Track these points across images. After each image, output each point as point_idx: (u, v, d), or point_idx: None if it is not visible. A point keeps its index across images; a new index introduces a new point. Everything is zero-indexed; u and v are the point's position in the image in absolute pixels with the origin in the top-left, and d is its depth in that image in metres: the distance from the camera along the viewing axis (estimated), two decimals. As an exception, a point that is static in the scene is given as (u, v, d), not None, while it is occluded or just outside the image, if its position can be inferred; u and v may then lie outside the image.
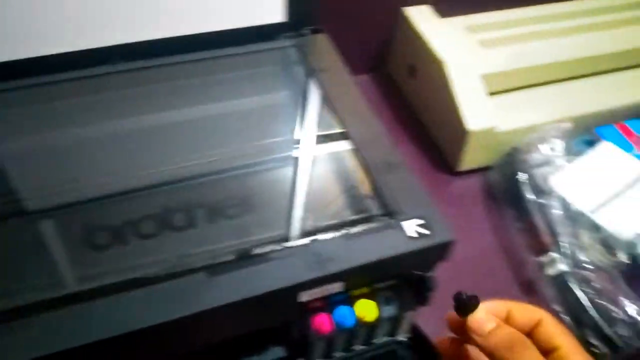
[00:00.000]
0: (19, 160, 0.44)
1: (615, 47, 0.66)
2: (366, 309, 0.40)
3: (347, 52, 0.56)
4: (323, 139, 0.47)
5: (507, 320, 0.35)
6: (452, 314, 0.35)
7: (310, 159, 0.45)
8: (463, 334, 0.35)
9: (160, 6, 0.49)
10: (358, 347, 0.44)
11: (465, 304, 0.34)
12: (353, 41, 0.69)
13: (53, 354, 0.31)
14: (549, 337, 0.34)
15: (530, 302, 0.51)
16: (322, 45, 0.54)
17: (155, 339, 0.34)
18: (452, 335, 0.37)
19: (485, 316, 0.34)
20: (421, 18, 0.65)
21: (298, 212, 0.41)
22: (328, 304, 0.40)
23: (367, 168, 0.43)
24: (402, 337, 0.46)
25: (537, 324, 0.34)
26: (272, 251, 0.37)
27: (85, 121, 0.48)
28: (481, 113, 0.58)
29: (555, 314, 0.51)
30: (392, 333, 0.45)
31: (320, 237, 0.39)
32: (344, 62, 0.53)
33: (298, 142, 0.46)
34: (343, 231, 0.39)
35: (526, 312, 0.35)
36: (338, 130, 0.46)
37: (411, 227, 0.39)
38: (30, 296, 0.34)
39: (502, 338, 0.33)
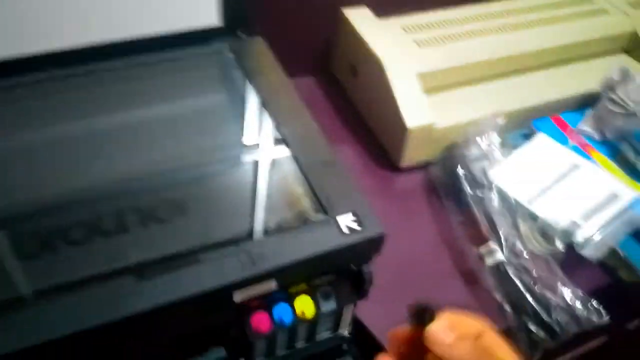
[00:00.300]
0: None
1: (548, 43, 0.69)
2: (304, 306, 0.41)
3: (291, 54, 0.57)
4: (258, 140, 0.47)
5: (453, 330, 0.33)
6: (398, 330, 0.34)
7: (244, 161, 0.46)
8: (417, 348, 0.33)
9: (93, 10, 0.48)
10: (301, 344, 0.44)
11: (423, 313, 0.33)
12: (296, 43, 0.69)
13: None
14: (490, 349, 0.32)
15: (473, 292, 0.53)
16: (258, 48, 0.54)
17: (87, 345, 0.34)
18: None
19: (446, 325, 0.32)
20: (359, 19, 0.66)
21: (231, 214, 0.41)
22: (266, 302, 0.40)
23: (301, 167, 0.44)
24: (344, 332, 0.46)
25: (480, 336, 0.33)
26: (204, 252, 0.37)
27: (21, 127, 0.47)
28: (419, 110, 0.59)
29: (496, 302, 0.52)
30: (334, 328, 0.45)
31: (253, 236, 0.39)
32: (282, 64, 0.53)
33: (232, 145, 0.47)
34: (276, 230, 0.39)
35: (470, 324, 0.33)
36: (273, 131, 0.47)
37: (343, 222, 0.39)
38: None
39: (468, 351, 0.32)
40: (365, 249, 0.40)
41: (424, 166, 0.63)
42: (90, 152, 0.45)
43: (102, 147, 0.45)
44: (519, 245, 0.54)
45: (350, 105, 0.70)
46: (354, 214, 0.40)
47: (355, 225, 0.39)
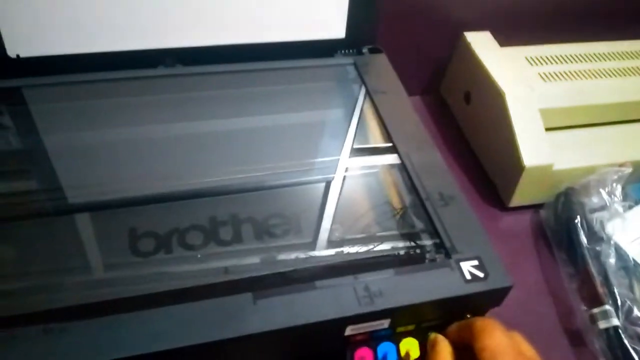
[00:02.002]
0: (72, 158, 0.44)
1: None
2: (410, 348, 0.38)
3: (403, 72, 0.55)
4: (376, 163, 0.45)
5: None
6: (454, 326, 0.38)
7: (362, 183, 0.44)
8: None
9: (225, 13, 0.48)
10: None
11: None
12: (410, 62, 0.67)
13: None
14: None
15: (578, 353, 0.49)
16: (381, 65, 0.53)
17: (194, 357, 0.33)
18: None
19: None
20: (482, 45, 0.63)
21: (350, 241, 0.39)
22: (372, 338, 0.38)
23: (421, 199, 0.41)
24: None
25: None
26: (321, 279, 0.35)
27: (139, 123, 0.48)
28: (539, 149, 0.55)
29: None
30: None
31: (371, 269, 0.37)
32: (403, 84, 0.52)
33: (351, 164, 0.45)
34: (395, 265, 0.37)
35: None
36: (393, 155, 0.45)
37: (466, 267, 0.37)
38: (66, 301, 0.33)
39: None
40: (486, 300, 0.37)
41: (532, 207, 0.59)
42: (211, 154, 0.44)
43: (224, 149, 0.45)
44: (636, 311, 0.49)
45: (457, 131, 0.67)
46: (479, 260, 0.37)
47: (479, 273, 0.37)
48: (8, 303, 0.33)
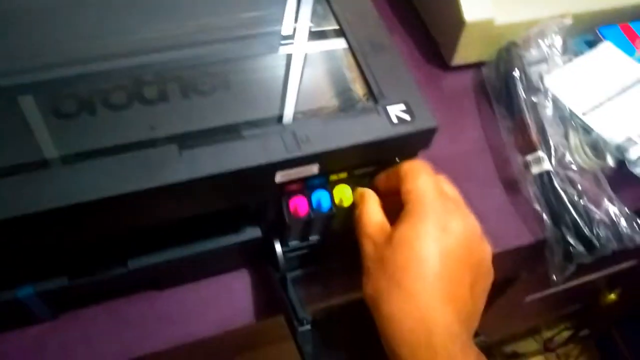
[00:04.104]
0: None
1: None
2: (343, 194, 0.40)
3: None
4: (306, 14, 0.44)
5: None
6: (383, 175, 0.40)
7: (291, 35, 0.43)
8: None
9: None
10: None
11: None
12: None
13: (12, 218, 0.30)
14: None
15: (512, 200, 0.52)
16: None
17: (124, 210, 0.33)
18: None
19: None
20: None
21: (276, 91, 0.39)
22: (306, 187, 0.39)
23: (352, 48, 0.41)
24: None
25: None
26: (248, 128, 0.35)
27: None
28: (480, 3, 0.54)
29: (534, 212, 0.51)
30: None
31: (299, 117, 0.37)
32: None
33: (280, 17, 0.43)
34: (322, 112, 0.37)
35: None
36: (323, 6, 0.43)
37: (393, 111, 0.37)
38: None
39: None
40: (413, 142, 0.38)
41: (476, 66, 0.59)
42: (132, 13, 0.42)
43: (143, 9, 0.42)
44: (568, 156, 0.51)
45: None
46: (405, 104, 0.38)
47: (405, 116, 0.37)
48: None
